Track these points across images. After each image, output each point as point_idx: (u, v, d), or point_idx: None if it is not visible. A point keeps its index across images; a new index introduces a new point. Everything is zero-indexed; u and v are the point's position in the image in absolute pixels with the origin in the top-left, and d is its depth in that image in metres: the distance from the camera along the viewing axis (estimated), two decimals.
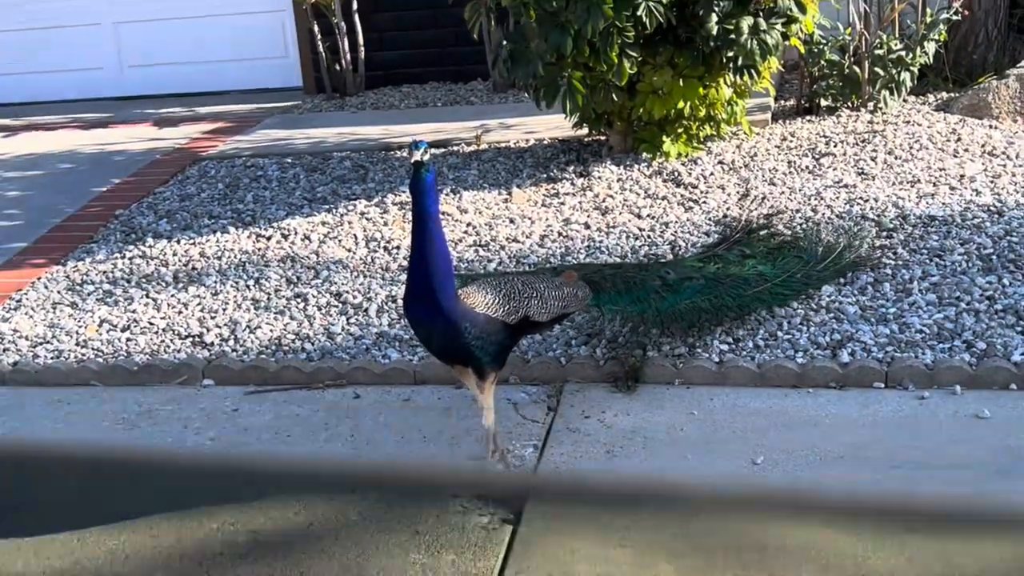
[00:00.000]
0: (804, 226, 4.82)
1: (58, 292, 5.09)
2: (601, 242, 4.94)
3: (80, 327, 4.73)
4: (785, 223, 4.83)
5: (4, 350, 4.62)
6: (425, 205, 3.23)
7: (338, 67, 8.52)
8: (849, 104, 6.55)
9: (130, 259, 5.35)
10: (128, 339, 4.60)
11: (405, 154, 5.89)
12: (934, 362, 3.81)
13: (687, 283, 3.95)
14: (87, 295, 5.03)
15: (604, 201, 5.40)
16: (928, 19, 6.39)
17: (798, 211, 5.06)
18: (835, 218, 4.94)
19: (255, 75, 9.17)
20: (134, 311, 4.81)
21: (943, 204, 4.98)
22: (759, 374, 3.89)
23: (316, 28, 8.33)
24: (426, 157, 3.21)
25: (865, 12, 6.47)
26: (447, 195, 5.66)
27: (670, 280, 3.94)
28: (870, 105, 6.46)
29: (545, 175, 5.85)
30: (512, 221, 5.29)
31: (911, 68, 6.35)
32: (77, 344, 4.60)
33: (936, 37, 6.39)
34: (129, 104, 9.14)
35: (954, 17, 6.51)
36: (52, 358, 4.53)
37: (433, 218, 3.25)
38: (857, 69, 6.37)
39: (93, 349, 4.55)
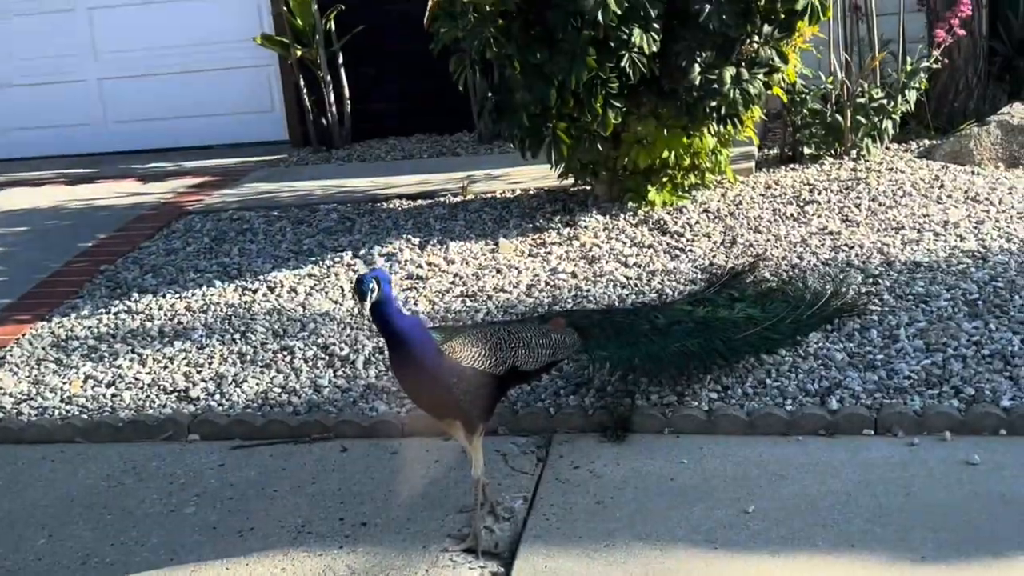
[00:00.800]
0: (791, 272, 4.84)
1: (43, 348, 5.05)
2: (588, 291, 4.94)
3: (65, 383, 4.69)
4: (771, 270, 4.85)
5: None
6: (393, 331, 3.16)
7: (324, 120, 8.56)
8: (832, 152, 6.60)
9: (115, 314, 5.32)
10: (113, 395, 4.56)
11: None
12: (923, 408, 3.80)
13: (676, 327, 3.93)
14: (72, 351, 5.00)
15: (590, 250, 5.41)
16: (908, 68, 6.47)
17: (784, 258, 5.08)
18: (821, 265, 4.96)
19: (241, 129, 9.20)
20: (119, 366, 4.78)
21: (928, 250, 5.01)
22: (748, 422, 3.87)
23: (302, 81, 8.39)
24: (374, 295, 3.05)
25: (846, 61, 6.56)
26: (434, 246, 5.67)
27: (659, 324, 3.92)
28: (853, 153, 6.52)
29: (531, 225, 5.86)
30: (499, 271, 5.29)
31: (893, 116, 6.42)
32: (62, 401, 4.56)
33: (917, 85, 6.47)
34: (115, 159, 9.15)
35: (934, 66, 6.59)
36: (36, 415, 4.48)
37: (402, 331, 3.16)
38: (839, 117, 6.43)
39: (78, 405, 4.51)
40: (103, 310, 5.39)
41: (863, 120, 6.41)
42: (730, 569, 3.10)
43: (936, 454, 3.60)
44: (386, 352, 3.50)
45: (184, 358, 4.79)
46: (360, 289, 3.04)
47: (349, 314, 5.00)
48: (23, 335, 5.24)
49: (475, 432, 3.32)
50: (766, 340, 4.06)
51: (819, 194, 5.91)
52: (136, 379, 4.66)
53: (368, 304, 3.05)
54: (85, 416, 4.43)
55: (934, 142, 6.78)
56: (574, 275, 5.14)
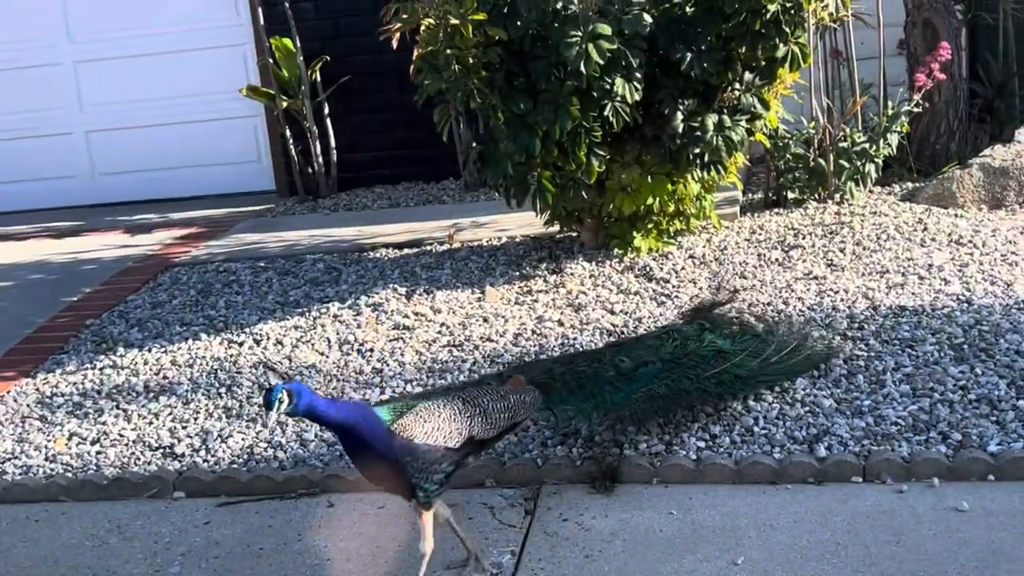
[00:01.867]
0: (763, 313, 4.79)
1: (27, 405, 5.02)
2: (575, 339, 4.93)
3: (49, 441, 4.66)
4: (753, 313, 4.79)
5: None
6: (335, 425, 3.17)
7: (310, 170, 8.59)
8: (816, 196, 6.63)
9: (100, 369, 5.30)
10: (98, 452, 4.53)
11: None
12: (911, 455, 3.79)
13: (642, 369, 3.89)
14: (57, 408, 4.97)
15: (577, 298, 5.41)
16: (890, 111, 6.52)
17: (769, 304, 5.08)
18: (806, 311, 4.96)
19: (228, 180, 9.21)
20: (104, 423, 4.75)
21: (912, 294, 5.02)
22: (737, 471, 3.86)
23: (288, 132, 8.42)
24: (284, 406, 3.03)
25: (828, 106, 6.61)
26: (421, 295, 5.67)
27: (624, 368, 3.87)
28: (836, 197, 6.55)
29: (518, 272, 5.87)
30: (486, 320, 5.29)
31: (875, 160, 6.46)
32: (46, 459, 4.52)
33: (898, 129, 6.51)
34: (101, 211, 9.15)
35: (915, 109, 6.64)
36: (20, 474, 4.45)
37: (334, 416, 3.15)
38: (822, 162, 6.47)
39: (62, 463, 4.48)
40: (88, 365, 5.37)
41: (846, 164, 6.45)
42: None
43: (925, 501, 3.59)
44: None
45: (169, 413, 4.76)
46: (267, 399, 3.04)
47: (335, 365, 4.98)
48: (8, 392, 5.21)
49: (428, 508, 3.26)
50: (737, 380, 4.02)
51: (804, 239, 5.93)
52: (121, 435, 4.63)
53: (274, 415, 3.04)
54: (69, 474, 4.40)
55: (917, 185, 6.82)
56: (561, 323, 5.14)
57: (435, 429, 3.25)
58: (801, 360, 4.25)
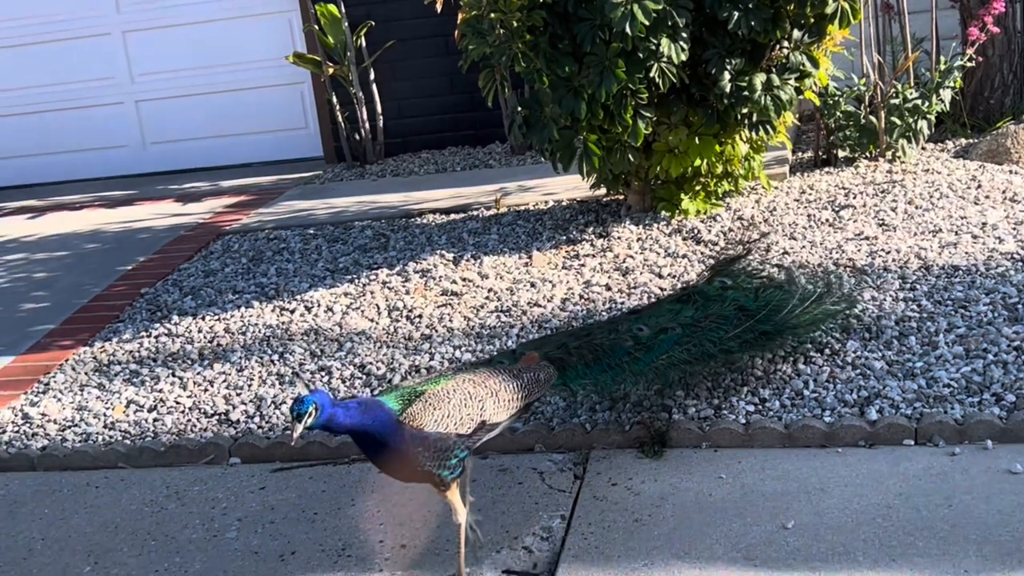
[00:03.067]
0: (782, 262, 4.69)
1: (85, 374, 5.12)
2: (622, 303, 4.93)
3: (107, 409, 4.75)
4: (772, 263, 4.63)
5: (33, 435, 4.65)
6: (347, 432, 3.11)
7: (357, 136, 8.62)
8: (867, 154, 6.54)
9: (156, 338, 5.39)
10: (155, 419, 4.62)
11: (428, 219, 5.89)
12: (964, 417, 3.76)
13: (662, 336, 3.79)
14: (114, 376, 5.06)
15: (624, 261, 5.40)
16: (942, 66, 6.40)
17: (819, 265, 5.04)
18: (858, 272, 4.91)
19: (276, 147, 9.29)
20: (160, 391, 4.83)
21: (966, 253, 4.95)
22: (787, 435, 3.85)
23: (335, 99, 8.44)
24: (310, 420, 3.01)
25: (879, 62, 6.50)
26: (468, 261, 5.69)
27: (643, 337, 3.78)
28: (888, 155, 6.46)
29: (565, 237, 5.86)
30: (533, 285, 5.30)
31: (928, 116, 6.35)
32: (105, 426, 4.62)
33: (951, 84, 6.40)
34: (153, 180, 9.28)
35: (968, 64, 6.52)
36: (80, 441, 4.55)
37: (348, 425, 3.08)
38: (873, 119, 6.37)
39: (120, 431, 4.57)
40: (144, 334, 5.46)
41: (897, 121, 6.35)
42: None
43: (978, 464, 3.56)
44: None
45: (224, 381, 4.83)
46: (298, 411, 3.00)
47: (385, 332, 5.03)
48: (66, 360, 5.31)
49: (448, 489, 3.23)
50: (761, 335, 3.93)
51: (854, 198, 5.86)
52: (177, 403, 4.72)
53: (301, 428, 3.00)
54: (128, 441, 4.49)
55: (970, 141, 6.71)
56: (608, 287, 5.14)
57: (445, 416, 3.19)
58: (826, 308, 4.13)
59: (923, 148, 6.66)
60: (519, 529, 3.54)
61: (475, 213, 6.60)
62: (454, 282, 5.45)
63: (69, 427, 4.66)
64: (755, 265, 4.37)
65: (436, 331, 4.95)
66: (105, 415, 4.71)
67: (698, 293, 4.06)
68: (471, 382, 3.32)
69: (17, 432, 4.68)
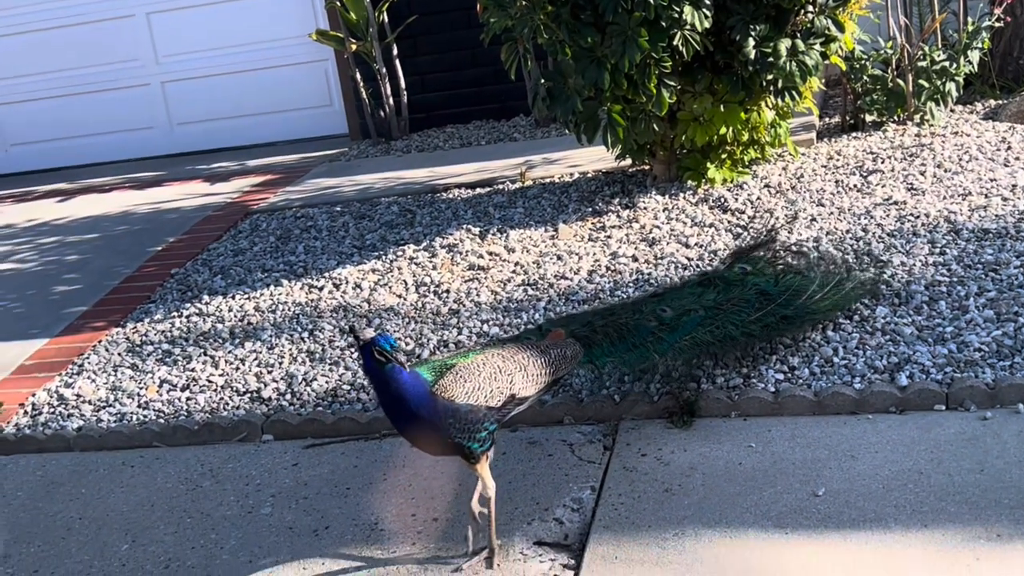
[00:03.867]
0: (802, 248, 4.67)
1: (119, 354, 5.18)
2: (650, 274, 4.92)
3: (141, 388, 4.81)
4: (793, 251, 4.60)
5: (68, 415, 4.71)
6: (387, 389, 3.11)
7: (382, 112, 8.62)
8: (895, 118, 6.48)
9: (187, 317, 5.44)
10: (188, 398, 4.66)
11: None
12: (995, 381, 3.73)
13: (685, 318, 3.81)
14: (147, 356, 5.12)
15: (651, 232, 5.38)
16: (970, 27, 6.33)
17: (848, 231, 5.01)
18: (886, 237, 4.88)
19: (302, 125, 9.32)
20: (193, 369, 4.88)
21: (996, 216, 4.90)
22: (816, 402, 3.84)
23: (358, 75, 8.44)
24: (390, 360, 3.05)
25: (905, 25, 6.42)
26: (494, 235, 5.69)
27: (666, 318, 3.79)
28: (916, 118, 6.39)
29: (591, 209, 5.85)
30: (559, 258, 5.29)
31: (956, 78, 6.28)
32: (139, 406, 4.68)
33: (979, 45, 6.32)
34: (180, 161, 9.33)
35: (996, 24, 6.43)
36: (115, 421, 4.61)
37: (395, 386, 3.10)
38: (901, 82, 6.31)
39: (154, 410, 4.63)
40: (175, 314, 5.51)
41: (925, 84, 6.28)
42: (801, 554, 3.09)
43: (1010, 428, 3.54)
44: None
45: (255, 359, 4.87)
46: (389, 343, 3.05)
47: (413, 308, 5.05)
48: (99, 342, 5.38)
49: (477, 462, 3.25)
50: (783, 319, 3.94)
51: (883, 163, 5.81)
52: (210, 381, 4.76)
53: (402, 356, 3.05)
54: (162, 420, 4.54)
55: (1000, 102, 6.63)
56: (635, 258, 5.13)
57: (476, 388, 3.20)
58: (847, 293, 4.15)
59: (951, 110, 6.59)
60: (549, 501, 3.56)
61: (500, 187, 6.60)
62: (480, 256, 5.45)
63: (104, 407, 4.72)
64: (776, 251, 4.37)
65: (464, 306, 4.97)
66: (139, 395, 4.76)
67: (719, 278, 4.07)
68: (500, 356, 3.35)
69: (53, 413, 4.74)
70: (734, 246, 4.73)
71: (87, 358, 5.20)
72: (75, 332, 5.57)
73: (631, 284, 4.87)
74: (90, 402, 4.78)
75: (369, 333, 3.08)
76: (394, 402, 3.15)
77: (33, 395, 4.92)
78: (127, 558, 3.65)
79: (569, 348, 3.56)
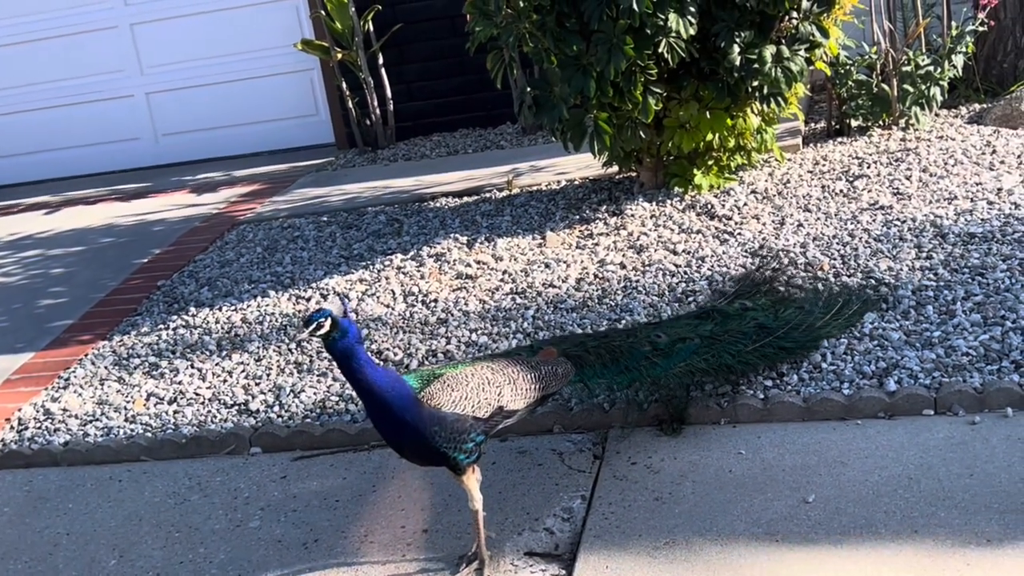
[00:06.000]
0: (805, 280, 4.62)
1: (105, 368, 5.15)
2: (637, 282, 4.92)
3: (128, 402, 4.78)
4: (794, 284, 4.59)
5: (55, 430, 4.68)
6: (364, 384, 3.09)
7: (368, 121, 8.61)
8: (880, 123, 6.50)
9: (174, 329, 5.41)
10: (175, 411, 4.64)
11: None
12: (983, 385, 3.74)
13: (679, 345, 3.79)
14: (133, 369, 5.09)
15: (638, 239, 5.38)
16: (954, 32, 6.34)
17: (835, 236, 5.02)
18: (873, 242, 4.89)
19: (288, 135, 9.30)
20: (180, 382, 4.86)
21: (982, 220, 4.91)
22: (806, 408, 3.84)
23: (344, 84, 8.44)
24: (322, 331, 3.03)
25: (890, 30, 6.44)
26: (482, 243, 5.68)
27: (661, 344, 3.77)
28: (901, 122, 6.41)
29: (578, 216, 5.85)
30: (547, 266, 5.29)
31: (940, 82, 6.30)
32: (126, 420, 4.65)
33: (963, 49, 6.34)
34: (166, 172, 9.30)
35: (980, 28, 6.45)
36: (102, 436, 4.58)
37: (368, 374, 3.09)
38: (886, 87, 6.33)
39: (142, 424, 4.60)
40: (162, 326, 5.49)
41: (910, 88, 6.30)
42: (791, 562, 3.09)
43: (998, 432, 3.54)
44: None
45: (243, 371, 4.85)
46: (309, 317, 3.04)
47: (401, 317, 5.03)
48: (85, 355, 5.35)
49: (463, 474, 3.24)
50: (781, 350, 3.94)
51: (868, 167, 5.82)
52: (197, 394, 4.74)
53: (305, 335, 3.03)
54: (149, 434, 4.52)
55: (984, 106, 6.65)
56: (623, 266, 5.13)
57: (463, 398, 3.20)
58: (849, 316, 4.15)
59: (936, 115, 6.61)
60: (540, 511, 3.55)
61: (488, 195, 6.60)
62: (468, 265, 5.45)
63: (90, 421, 4.69)
64: (777, 286, 4.38)
65: (452, 315, 4.96)
66: (126, 408, 4.74)
67: (717, 311, 4.06)
68: (490, 368, 3.34)
69: (39, 428, 4.71)
70: (736, 276, 4.67)
71: (73, 372, 5.18)
72: (61, 346, 5.54)
73: (619, 292, 4.86)
74: (77, 416, 4.75)
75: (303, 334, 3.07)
76: (375, 411, 3.13)
77: (19, 409, 4.89)
78: (115, 573, 3.63)
79: (560, 366, 3.54)
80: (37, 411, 4.85)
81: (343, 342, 3.06)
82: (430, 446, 3.15)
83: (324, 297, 5.42)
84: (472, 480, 3.26)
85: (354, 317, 4.64)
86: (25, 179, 9.86)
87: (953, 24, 6.43)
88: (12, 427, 4.77)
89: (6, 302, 6.37)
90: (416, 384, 3.20)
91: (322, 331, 3.04)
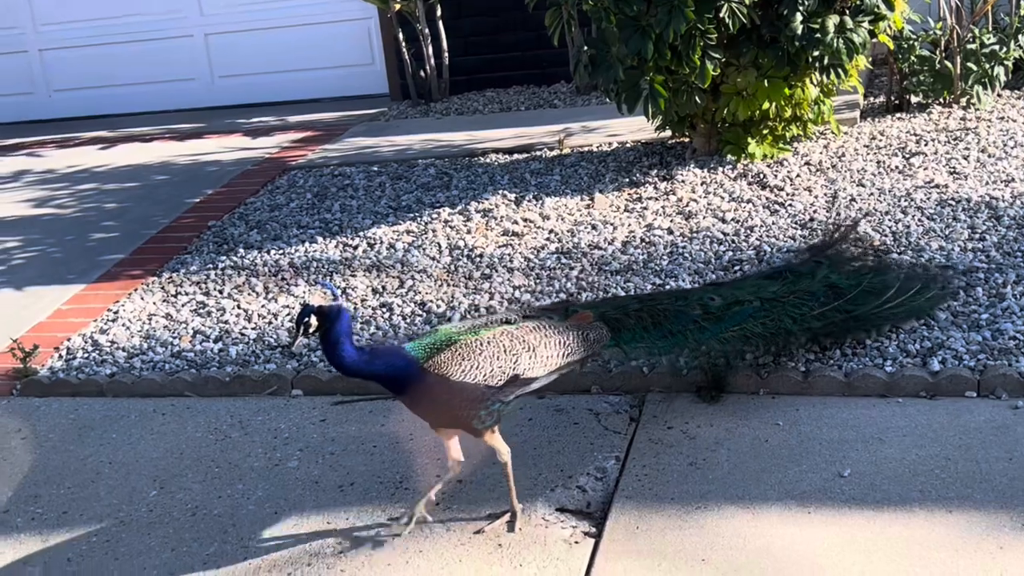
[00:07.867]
0: (885, 248, 4.56)
1: (153, 303, 5.23)
2: (684, 248, 4.90)
3: (175, 338, 4.86)
4: (874, 250, 4.53)
5: (102, 361, 4.77)
6: (353, 370, 3.11)
7: (423, 73, 8.60)
8: (941, 100, 6.40)
9: (222, 270, 5.48)
10: (220, 350, 4.71)
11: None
12: None
13: (736, 307, 3.69)
14: (181, 306, 5.16)
15: (687, 205, 5.36)
16: (1022, 11, 6.21)
17: (887, 213, 4.96)
18: (925, 220, 4.83)
19: (342, 83, 9.32)
20: (226, 322, 4.92)
21: None
22: (846, 383, 3.82)
23: (401, 35, 8.43)
24: (310, 330, 3.05)
25: (957, 6, 6.32)
26: (530, 201, 5.68)
27: (713, 307, 3.68)
28: (963, 101, 6.31)
29: (628, 179, 5.83)
30: (594, 227, 5.28)
31: (1005, 62, 6.19)
32: (172, 355, 4.72)
33: None
34: (221, 114, 9.37)
35: None
36: (147, 369, 4.66)
37: (363, 368, 3.11)
38: (949, 64, 6.22)
39: (187, 360, 4.67)
40: (211, 266, 5.55)
41: (973, 67, 6.19)
42: (823, 535, 3.09)
43: None
44: None
45: (287, 314, 4.91)
46: (298, 318, 3.06)
47: (446, 271, 5.06)
48: (135, 290, 5.43)
49: (482, 436, 3.23)
50: (849, 318, 3.83)
51: (926, 145, 5.74)
52: (242, 335, 4.80)
53: (300, 341, 3.09)
54: (194, 371, 4.59)
55: None
56: (670, 231, 5.11)
57: (474, 367, 3.14)
58: (923, 302, 4.00)
59: (999, 95, 6.49)
60: (574, 469, 3.57)
61: (538, 153, 6.58)
62: (515, 223, 5.45)
63: (137, 355, 4.77)
64: (855, 247, 4.27)
65: (496, 271, 4.97)
66: (172, 344, 4.81)
67: (790, 270, 3.96)
68: (509, 335, 3.26)
69: (87, 358, 4.81)
70: (812, 239, 4.56)
71: (122, 305, 5.26)
72: (111, 279, 5.63)
73: (665, 257, 4.85)
74: (124, 349, 4.83)
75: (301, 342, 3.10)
76: (379, 382, 3.17)
77: (68, 340, 4.98)
78: (155, 504, 3.70)
79: (593, 331, 3.44)
80: (85, 342, 4.94)
81: (335, 330, 3.07)
82: (441, 411, 3.17)
83: (371, 246, 5.45)
84: (494, 437, 3.25)
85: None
86: (83, 113, 9.98)
87: (1022, 3, 6.29)
88: (61, 356, 4.86)
89: (59, 234, 6.47)
90: (422, 353, 3.16)
91: (312, 328, 3.06)
